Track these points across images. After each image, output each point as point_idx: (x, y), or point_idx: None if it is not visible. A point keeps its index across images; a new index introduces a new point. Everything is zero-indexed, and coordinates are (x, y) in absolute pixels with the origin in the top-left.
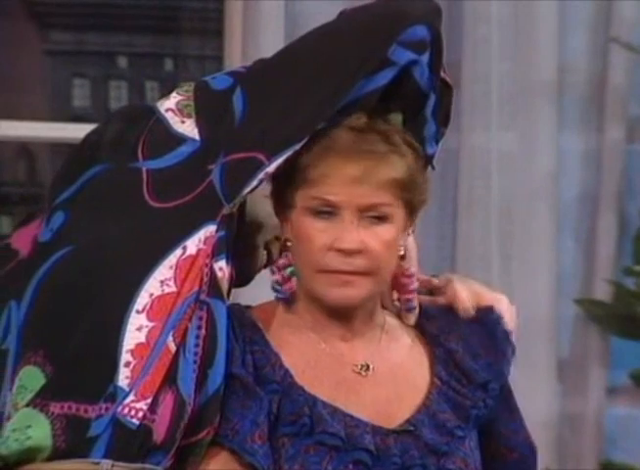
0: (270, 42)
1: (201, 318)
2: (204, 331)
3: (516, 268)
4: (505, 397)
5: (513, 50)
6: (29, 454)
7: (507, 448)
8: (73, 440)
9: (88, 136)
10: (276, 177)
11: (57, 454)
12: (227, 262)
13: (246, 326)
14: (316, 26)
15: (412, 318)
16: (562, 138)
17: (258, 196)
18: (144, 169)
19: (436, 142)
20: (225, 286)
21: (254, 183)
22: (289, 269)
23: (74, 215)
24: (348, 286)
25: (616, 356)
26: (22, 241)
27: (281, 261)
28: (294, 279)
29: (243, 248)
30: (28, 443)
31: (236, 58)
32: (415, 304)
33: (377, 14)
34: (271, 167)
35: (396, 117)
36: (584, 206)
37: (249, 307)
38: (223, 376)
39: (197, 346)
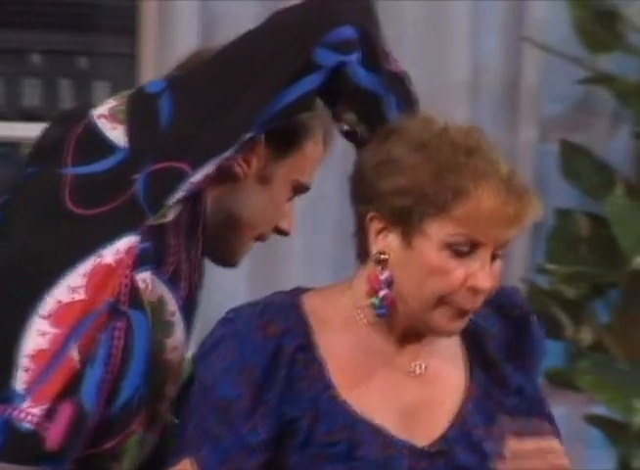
0: (185, 41)
1: (119, 329)
2: (121, 342)
3: None
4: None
5: (426, 50)
6: None
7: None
8: None
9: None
10: (394, 192)
11: None
12: (153, 274)
13: (291, 328)
14: (250, 28)
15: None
16: None
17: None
18: (68, 175)
19: None
20: (147, 297)
21: (180, 194)
22: (392, 287)
23: (6, 219)
24: (464, 318)
25: None
26: None
27: (383, 276)
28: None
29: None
30: None
31: (150, 56)
32: None
33: (301, 17)
34: (196, 177)
35: (351, 117)
36: None
37: (305, 293)
38: (137, 388)
39: (110, 356)
